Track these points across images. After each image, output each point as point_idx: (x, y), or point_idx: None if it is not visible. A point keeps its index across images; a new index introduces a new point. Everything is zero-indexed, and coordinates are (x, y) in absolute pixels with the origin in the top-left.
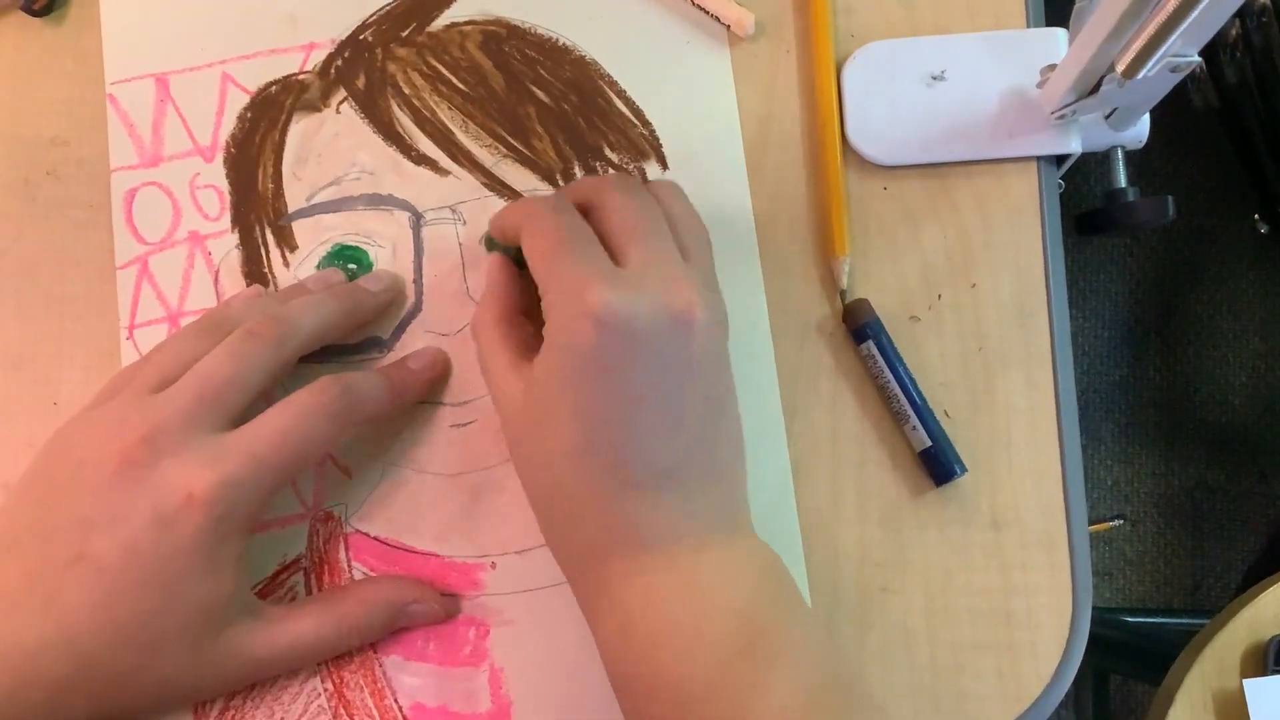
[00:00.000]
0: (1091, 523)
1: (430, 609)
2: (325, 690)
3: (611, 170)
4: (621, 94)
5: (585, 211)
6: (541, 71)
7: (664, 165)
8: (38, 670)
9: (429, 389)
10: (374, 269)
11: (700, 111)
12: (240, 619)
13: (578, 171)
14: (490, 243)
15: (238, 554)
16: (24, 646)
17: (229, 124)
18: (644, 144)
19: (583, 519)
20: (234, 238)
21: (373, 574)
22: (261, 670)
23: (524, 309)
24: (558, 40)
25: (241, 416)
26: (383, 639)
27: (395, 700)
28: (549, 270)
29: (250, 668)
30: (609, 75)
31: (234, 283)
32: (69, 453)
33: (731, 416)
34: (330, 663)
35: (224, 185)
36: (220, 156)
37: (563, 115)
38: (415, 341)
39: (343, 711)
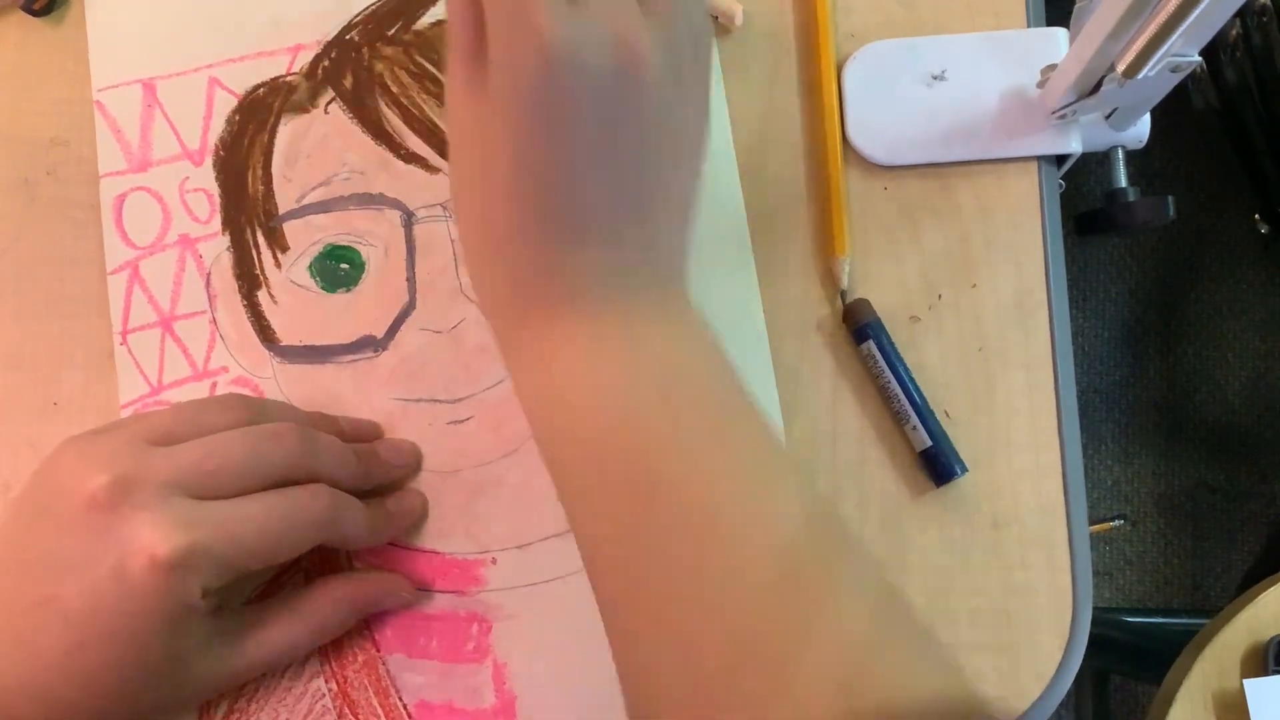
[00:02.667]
0: (1091, 523)
1: (400, 597)
2: (330, 690)
3: None
4: None
5: None
6: None
7: None
8: (13, 709)
9: (404, 533)
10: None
11: None
12: (212, 648)
13: None
14: None
15: (201, 614)
16: (2, 685)
17: (217, 127)
18: None
19: (531, 267)
20: (225, 240)
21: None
22: (240, 679)
23: None
24: None
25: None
26: (384, 637)
27: (400, 698)
28: None
29: (227, 680)
30: None
31: (226, 285)
32: (52, 478)
33: (682, 171)
34: (334, 662)
35: (213, 188)
36: (209, 160)
37: None
38: (409, 339)
39: (347, 711)
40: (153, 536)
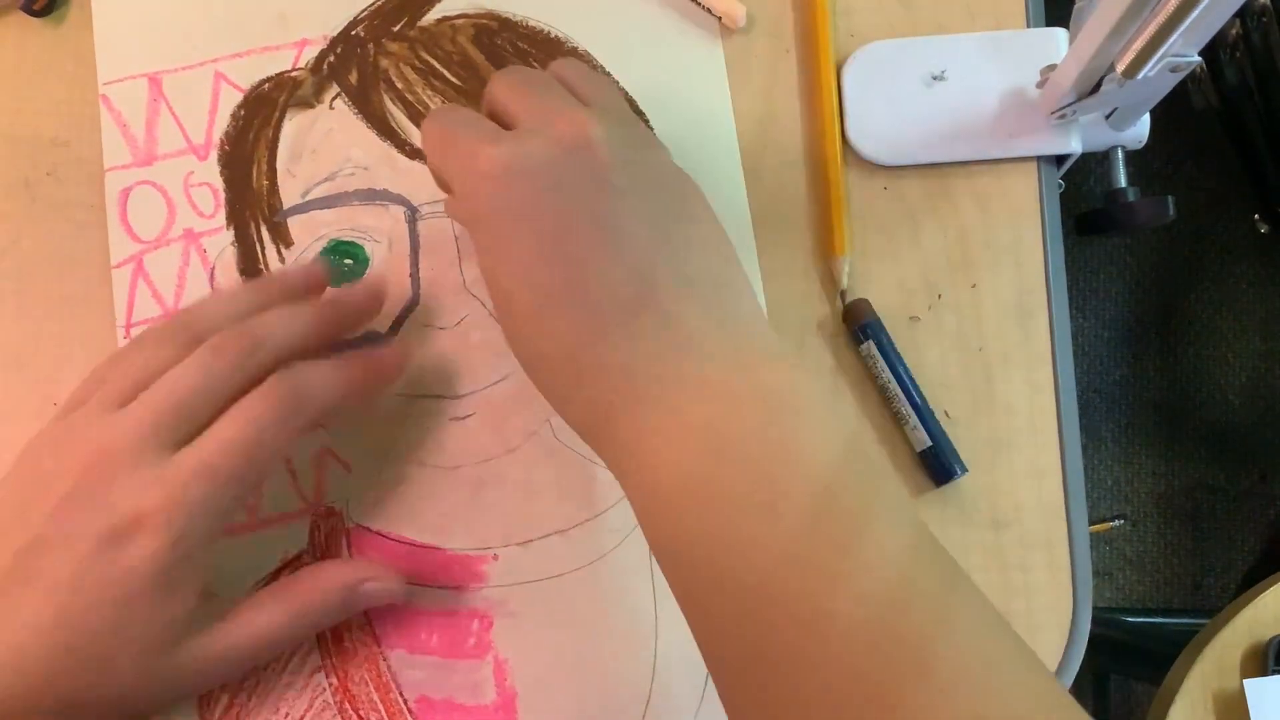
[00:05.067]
0: (1091, 523)
1: (386, 587)
2: (330, 685)
3: None
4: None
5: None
6: (534, 64)
7: None
8: None
9: (387, 386)
10: (364, 276)
11: (693, 102)
12: (199, 627)
13: None
14: None
15: (198, 571)
16: None
17: (222, 122)
18: None
19: (576, 378)
20: (229, 235)
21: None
22: (226, 669)
23: None
24: (549, 33)
25: (201, 431)
26: (385, 631)
27: (400, 694)
28: (444, 160)
29: (213, 671)
30: (602, 67)
31: (230, 280)
32: (34, 467)
33: (697, 222)
34: (334, 657)
35: (218, 183)
36: (214, 154)
37: None
38: (413, 335)
39: (348, 707)
40: (138, 498)
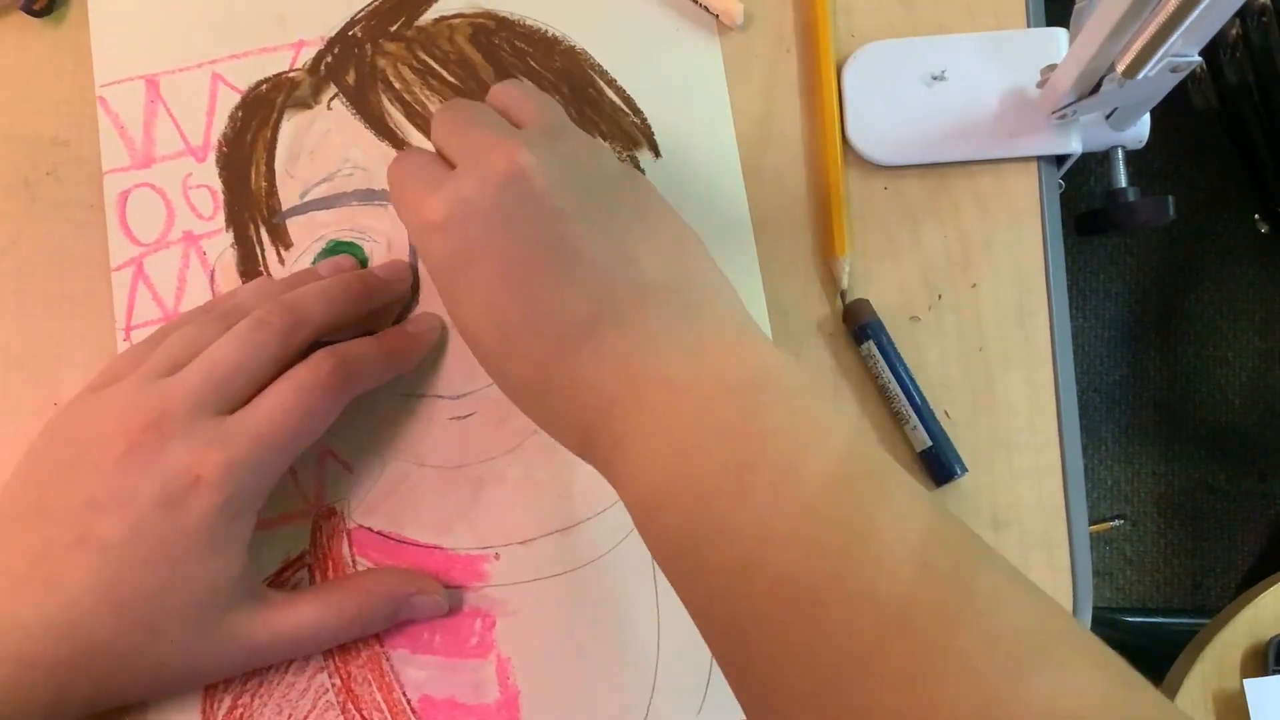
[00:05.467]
0: (1091, 523)
1: (433, 600)
2: (333, 685)
3: None
4: (612, 83)
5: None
6: (531, 63)
7: (656, 154)
8: (39, 651)
9: (425, 352)
10: (380, 260)
11: (691, 100)
12: (243, 602)
13: None
14: None
15: (244, 534)
16: (26, 628)
17: (220, 123)
18: (636, 133)
19: (555, 402)
20: (228, 237)
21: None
22: (262, 655)
23: None
24: (546, 31)
25: (245, 402)
26: (387, 631)
27: (403, 693)
28: (400, 213)
29: (251, 652)
30: (599, 65)
31: (230, 282)
32: (74, 435)
33: (648, 222)
34: (337, 657)
35: (217, 185)
36: (212, 156)
37: None
38: None
39: (351, 706)
40: (194, 459)
